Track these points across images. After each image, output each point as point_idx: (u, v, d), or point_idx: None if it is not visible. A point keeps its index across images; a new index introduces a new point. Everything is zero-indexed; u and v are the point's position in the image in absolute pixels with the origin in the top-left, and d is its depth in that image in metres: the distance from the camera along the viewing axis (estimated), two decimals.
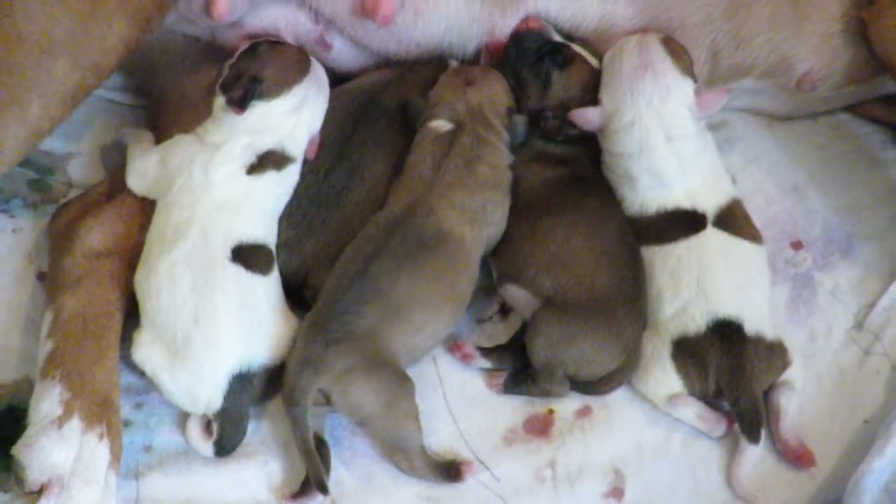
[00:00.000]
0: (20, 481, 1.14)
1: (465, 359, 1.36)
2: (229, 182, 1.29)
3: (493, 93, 1.42)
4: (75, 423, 1.17)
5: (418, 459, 1.24)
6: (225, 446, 1.24)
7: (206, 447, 1.24)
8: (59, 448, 1.15)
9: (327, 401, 1.22)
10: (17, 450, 1.15)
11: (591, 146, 1.43)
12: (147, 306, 1.25)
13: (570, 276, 1.32)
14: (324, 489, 1.19)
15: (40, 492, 1.13)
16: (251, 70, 1.34)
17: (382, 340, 1.23)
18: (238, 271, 1.25)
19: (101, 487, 1.16)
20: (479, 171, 1.35)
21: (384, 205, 1.36)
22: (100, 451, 1.17)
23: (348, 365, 1.20)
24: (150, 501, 1.22)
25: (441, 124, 1.40)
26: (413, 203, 1.32)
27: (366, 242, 1.28)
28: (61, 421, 1.16)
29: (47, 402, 1.18)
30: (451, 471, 1.25)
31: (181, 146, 1.33)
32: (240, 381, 1.23)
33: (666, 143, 1.36)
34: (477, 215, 1.33)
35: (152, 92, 1.50)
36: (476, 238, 1.33)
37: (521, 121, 1.43)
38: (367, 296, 1.23)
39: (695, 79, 1.41)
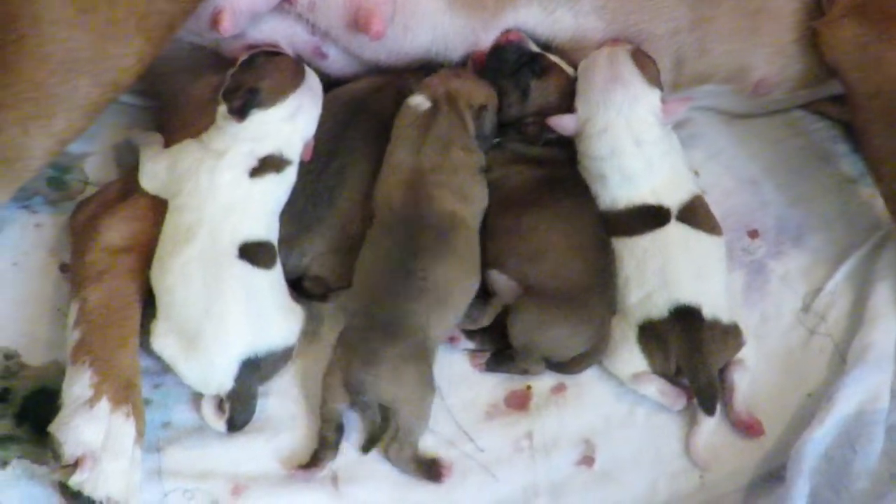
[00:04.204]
0: (57, 456, 1.20)
1: (452, 341, 1.41)
2: (234, 185, 1.33)
3: (474, 88, 1.46)
4: (104, 404, 1.24)
5: (409, 451, 1.29)
6: (236, 423, 1.30)
7: (220, 424, 1.30)
8: (90, 426, 1.22)
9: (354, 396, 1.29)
10: (54, 428, 1.21)
11: (568, 148, 1.48)
12: (162, 300, 1.30)
13: (549, 266, 1.37)
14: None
15: (75, 465, 1.19)
16: (249, 81, 1.37)
17: (429, 329, 1.30)
18: (244, 267, 1.30)
19: (129, 460, 1.23)
20: (454, 153, 1.40)
21: (373, 194, 1.40)
22: (126, 428, 1.24)
23: (402, 357, 1.27)
24: (170, 472, 1.28)
25: (420, 101, 1.43)
26: (410, 195, 1.37)
27: (390, 244, 1.33)
28: (92, 402, 1.23)
29: (78, 385, 1.25)
30: (432, 470, 1.30)
31: (188, 152, 1.37)
32: (248, 366, 1.28)
33: (634, 146, 1.41)
34: (463, 192, 1.39)
35: (161, 95, 1.54)
36: (471, 213, 1.39)
37: (488, 117, 1.45)
38: (415, 293, 1.29)
39: (661, 88, 1.45)
